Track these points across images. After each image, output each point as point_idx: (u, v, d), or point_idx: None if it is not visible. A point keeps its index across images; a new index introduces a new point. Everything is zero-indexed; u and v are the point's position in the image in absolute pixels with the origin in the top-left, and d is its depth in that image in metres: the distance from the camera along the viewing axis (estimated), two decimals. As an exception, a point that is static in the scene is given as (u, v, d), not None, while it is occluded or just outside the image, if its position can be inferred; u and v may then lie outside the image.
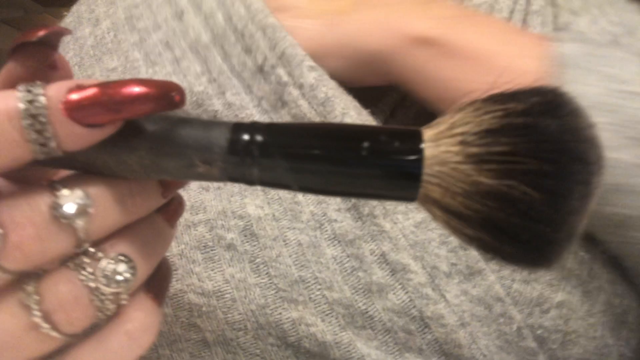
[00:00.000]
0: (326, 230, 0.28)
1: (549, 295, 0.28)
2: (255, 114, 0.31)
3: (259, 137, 0.17)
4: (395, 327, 0.27)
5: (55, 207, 0.16)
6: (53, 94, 0.16)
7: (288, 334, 0.28)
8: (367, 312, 0.28)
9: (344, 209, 0.29)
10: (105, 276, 0.17)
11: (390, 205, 0.29)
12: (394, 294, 0.28)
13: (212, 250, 0.28)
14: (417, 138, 0.16)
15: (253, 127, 0.17)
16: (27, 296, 0.17)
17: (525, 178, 0.16)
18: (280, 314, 0.28)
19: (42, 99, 0.15)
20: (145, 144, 0.17)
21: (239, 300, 0.28)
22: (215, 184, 0.30)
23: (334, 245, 0.28)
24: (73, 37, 0.40)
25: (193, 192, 0.30)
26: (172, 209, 0.21)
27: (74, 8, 0.42)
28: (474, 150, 0.16)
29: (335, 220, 0.29)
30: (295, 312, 0.28)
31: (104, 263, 0.17)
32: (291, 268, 0.28)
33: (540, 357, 0.28)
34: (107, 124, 0.16)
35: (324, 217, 0.29)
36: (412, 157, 0.16)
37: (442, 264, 0.28)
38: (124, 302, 0.18)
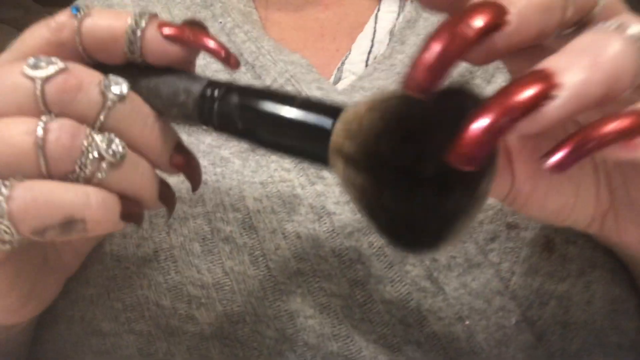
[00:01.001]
0: (325, 223, 0.28)
1: (549, 287, 0.28)
2: None
3: (222, 90, 0.22)
4: (394, 319, 0.27)
5: (105, 82, 0.21)
6: (154, 17, 0.22)
7: (286, 326, 0.28)
8: (365, 305, 0.28)
9: (342, 202, 0.29)
10: (105, 139, 0.21)
11: None
12: (392, 286, 0.28)
13: (210, 242, 0.29)
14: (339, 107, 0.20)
15: (223, 85, 0.22)
16: (44, 116, 0.20)
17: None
18: (278, 306, 0.28)
19: (146, 18, 0.22)
20: (157, 75, 0.23)
21: (238, 292, 0.28)
22: (214, 178, 0.30)
23: (333, 238, 0.28)
24: None
25: None
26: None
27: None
28: (377, 109, 0.18)
29: (334, 213, 0.29)
30: (294, 304, 0.28)
31: (110, 135, 0.21)
32: (290, 260, 0.28)
33: (540, 350, 0.28)
34: (179, 49, 0.22)
35: (322, 210, 0.29)
36: (330, 106, 0.20)
37: (440, 257, 0.28)
38: (99, 175, 0.20)
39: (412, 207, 0.18)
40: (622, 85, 0.16)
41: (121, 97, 0.21)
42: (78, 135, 0.20)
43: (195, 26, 0.23)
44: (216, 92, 0.22)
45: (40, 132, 0.20)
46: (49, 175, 0.20)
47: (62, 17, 0.22)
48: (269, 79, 0.33)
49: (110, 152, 0.20)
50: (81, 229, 0.20)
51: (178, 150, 0.24)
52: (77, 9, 0.22)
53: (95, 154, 0.20)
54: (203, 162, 0.31)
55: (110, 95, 0.21)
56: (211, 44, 0.22)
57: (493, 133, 0.16)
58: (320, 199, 0.29)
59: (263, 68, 0.34)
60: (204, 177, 0.30)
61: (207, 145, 0.32)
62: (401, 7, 0.39)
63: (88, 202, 0.20)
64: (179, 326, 0.28)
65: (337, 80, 0.36)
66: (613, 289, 0.29)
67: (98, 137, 0.20)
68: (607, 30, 0.17)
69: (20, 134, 0.20)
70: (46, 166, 0.20)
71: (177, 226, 0.29)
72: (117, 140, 0.21)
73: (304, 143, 0.21)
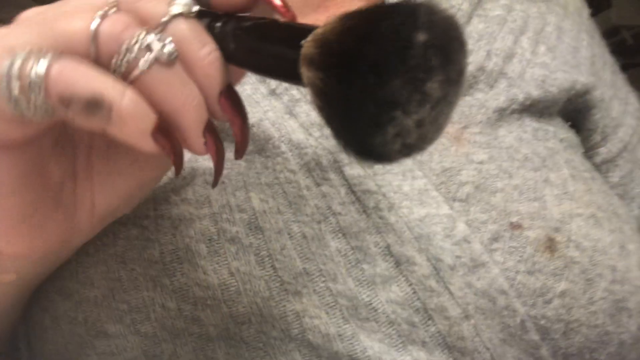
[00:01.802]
0: (330, 223, 0.29)
1: (552, 285, 0.28)
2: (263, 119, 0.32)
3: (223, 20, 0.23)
4: (399, 319, 0.28)
5: None
6: None
7: (292, 326, 0.28)
8: (370, 304, 0.28)
9: (348, 202, 0.29)
10: (159, 37, 0.20)
11: (394, 199, 0.29)
12: (397, 285, 0.28)
13: (217, 243, 0.29)
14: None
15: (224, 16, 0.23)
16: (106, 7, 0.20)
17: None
18: (284, 306, 0.28)
19: None
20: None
21: (243, 293, 0.28)
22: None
23: (338, 238, 0.28)
24: None
25: (198, 187, 0.30)
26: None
27: None
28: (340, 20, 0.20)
29: (340, 213, 0.29)
30: (299, 304, 0.28)
31: (166, 36, 0.20)
32: (296, 260, 0.28)
33: (543, 349, 0.28)
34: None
35: (328, 210, 0.29)
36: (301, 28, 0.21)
37: (446, 257, 0.28)
38: (143, 66, 0.20)
39: (357, 93, 0.19)
40: None
41: (186, 13, 0.21)
42: (132, 24, 0.20)
43: None
44: (218, 24, 0.23)
45: (97, 20, 0.20)
46: (96, 59, 0.20)
47: None
48: (274, 83, 0.34)
49: (161, 46, 0.20)
50: (105, 117, 0.20)
51: (228, 92, 0.22)
52: None
53: (145, 44, 0.20)
54: (209, 165, 0.31)
55: (175, 7, 0.21)
56: (277, 2, 0.23)
57: None
58: (326, 199, 0.29)
59: None
60: (209, 178, 0.30)
61: None
62: None
63: (122, 92, 0.20)
64: (184, 327, 0.28)
65: None
66: (613, 287, 0.29)
67: (153, 34, 0.20)
68: None
69: (79, 20, 0.20)
70: (95, 48, 0.20)
71: (183, 228, 0.29)
72: (171, 43, 0.20)
73: (281, 60, 0.22)
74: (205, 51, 0.21)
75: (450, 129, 0.33)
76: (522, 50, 0.37)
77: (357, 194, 0.29)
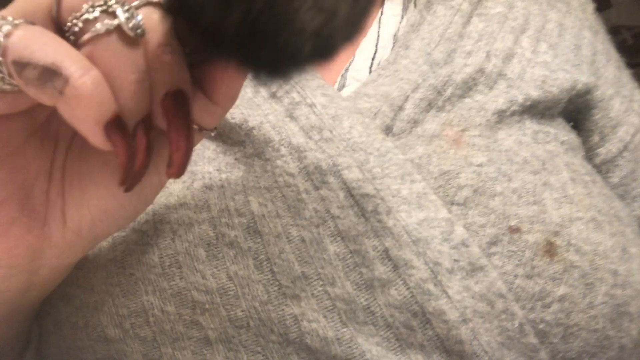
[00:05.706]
0: (329, 227, 0.29)
1: (551, 290, 0.28)
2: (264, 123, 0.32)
3: None
4: (397, 322, 0.28)
5: None
6: None
7: (290, 330, 0.28)
8: (368, 308, 0.28)
9: (346, 206, 0.29)
10: (128, 9, 0.19)
11: (392, 202, 0.29)
12: (395, 289, 0.28)
13: (215, 247, 0.29)
14: None
15: None
16: None
17: None
18: (282, 310, 0.28)
19: None
20: None
21: (242, 297, 0.28)
22: (219, 183, 0.30)
23: (337, 242, 0.28)
24: None
25: (197, 191, 0.30)
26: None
27: None
28: None
29: (338, 217, 0.29)
30: (298, 308, 0.28)
31: (135, 11, 0.19)
32: (294, 264, 0.28)
33: (542, 353, 0.28)
34: None
35: (326, 214, 0.29)
36: None
37: (444, 261, 0.28)
38: (90, 34, 0.19)
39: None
40: None
41: (164, 6, 0.19)
42: None
43: None
44: None
45: None
46: (56, 19, 0.19)
47: None
48: (274, 86, 0.34)
49: (127, 17, 0.19)
50: (58, 88, 0.18)
51: (176, 96, 0.20)
52: None
53: (111, 10, 0.19)
54: (208, 168, 0.31)
55: None
56: None
57: None
58: (325, 203, 0.29)
59: None
60: (209, 182, 0.30)
61: (212, 151, 0.32)
62: (404, 10, 0.39)
63: (86, 69, 0.18)
64: (183, 332, 0.28)
65: (341, 87, 0.36)
66: (614, 291, 0.29)
67: (122, 5, 0.19)
68: None
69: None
70: (57, 6, 0.19)
71: (182, 232, 0.29)
72: (140, 21, 0.19)
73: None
74: (166, 48, 0.20)
75: (449, 131, 0.33)
76: (522, 50, 0.37)
77: (355, 198, 0.29)
